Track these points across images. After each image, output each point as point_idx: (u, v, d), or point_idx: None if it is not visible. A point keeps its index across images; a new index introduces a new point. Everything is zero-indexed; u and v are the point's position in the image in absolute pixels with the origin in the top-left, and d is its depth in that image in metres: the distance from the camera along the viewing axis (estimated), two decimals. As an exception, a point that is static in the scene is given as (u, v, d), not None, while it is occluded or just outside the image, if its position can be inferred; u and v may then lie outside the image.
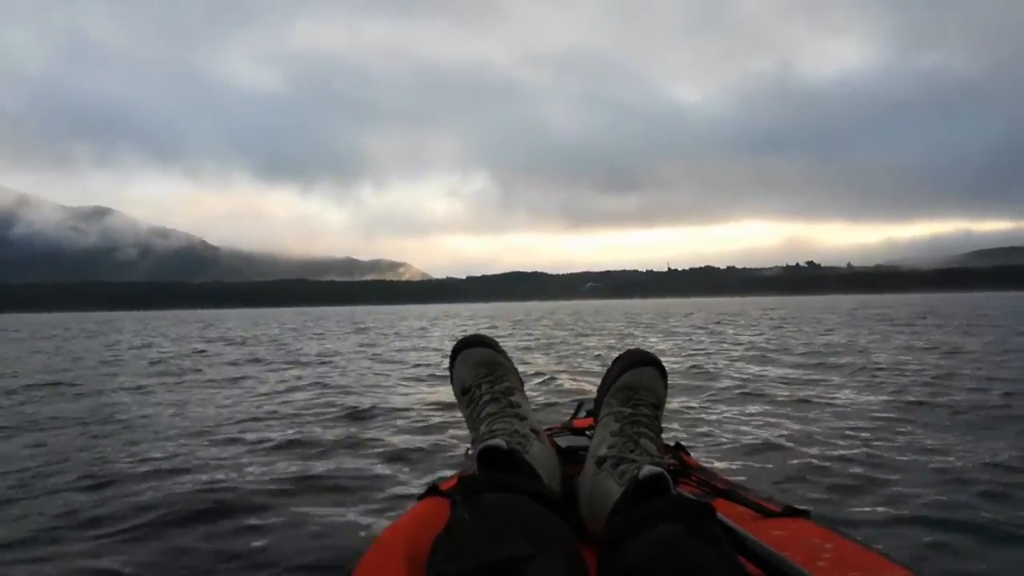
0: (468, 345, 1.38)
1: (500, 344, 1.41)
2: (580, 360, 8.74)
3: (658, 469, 1.01)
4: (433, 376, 7.10)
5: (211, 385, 6.91)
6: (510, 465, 1.12)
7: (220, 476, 3.16)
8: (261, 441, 4.01)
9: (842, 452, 3.35)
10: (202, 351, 12.50)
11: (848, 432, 3.86)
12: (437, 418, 4.51)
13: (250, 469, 3.31)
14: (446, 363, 1.39)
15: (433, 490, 1.22)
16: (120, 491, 2.89)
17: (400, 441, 3.90)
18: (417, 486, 2.92)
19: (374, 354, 11.01)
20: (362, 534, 2.27)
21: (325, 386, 6.55)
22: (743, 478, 2.89)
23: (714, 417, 4.39)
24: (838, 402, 4.92)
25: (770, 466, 3.17)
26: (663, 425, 1.26)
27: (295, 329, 23.52)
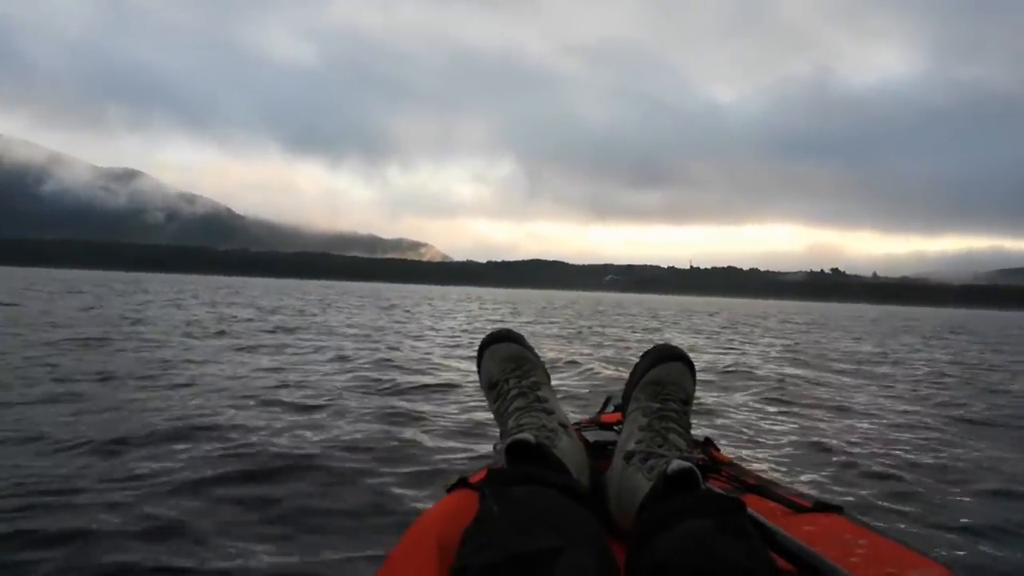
0: (495, 340, 1.39)
1: (526, 339, 1.41)
2: (614, 351, 8.76)
3: (687, 464, 1.02)
4: (472, 356, 7.15)
5: (252, 351, 7.01)
6: (538, 459, 1.12)
7: (258, 439, 3.22)
8: (307, 408, 4.09)
9: (880, 457, 3.34)
10: (235, 317, 12.68)
11: (889, 438, 3.86)
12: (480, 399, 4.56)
13: (296, 434, 3.39)
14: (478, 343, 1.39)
15: (462, 483, 1.23)
16: (165, 448, 2.97)
17: (452, 417, 3.97)
18: (461, 463, 2.98)
19: (408, 330, 11.13)
20: (400, 509, 2.30)
21: (364, 359, 6.62)
22: (777, 474, 2.88)
23: (750, 417, 4.37)
24: (875, 409, 4.92)
25: (805, 465, 3.17)
26: (692, 420, 1.26)
27: (323, 301, 23.72)
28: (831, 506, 1.16)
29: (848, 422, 4.34)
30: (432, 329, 11.83)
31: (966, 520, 2.40)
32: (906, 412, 4.81)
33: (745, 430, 3.94)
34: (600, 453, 1.37)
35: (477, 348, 1.42)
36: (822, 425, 4.19)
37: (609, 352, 8.57)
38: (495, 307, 27.14)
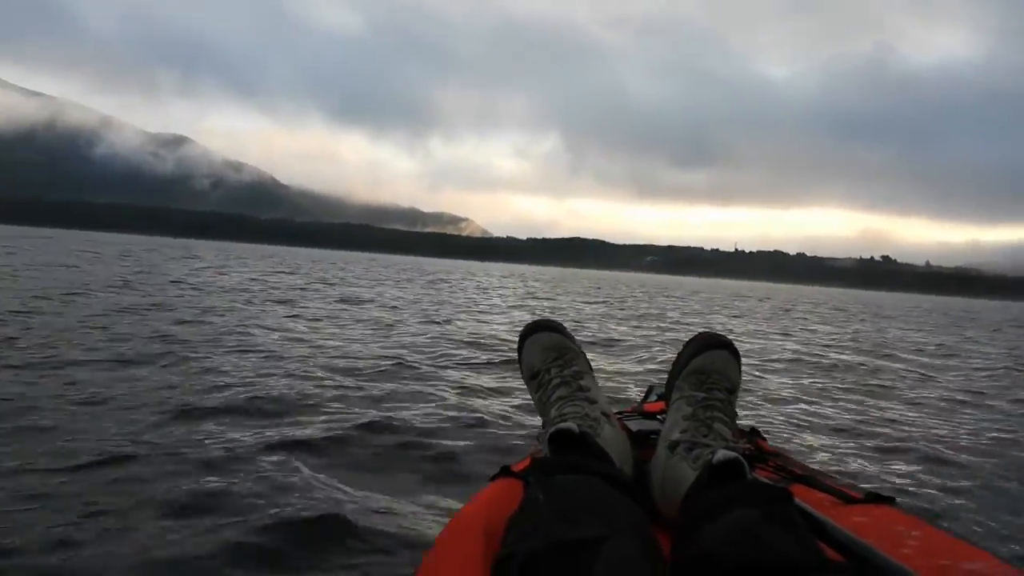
0: (535, 330, 1.38)
1: (568, 328, 1.41)
2: (673, 334, 8.71)
3: (733, 454, 1.01)
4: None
5: (328, 323, 7.09)
6: (581, 448, 1.12)
7: (345, 407, 3.36)
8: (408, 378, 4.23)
9: (942, 451, 3.26)
10: (303, 288, 12.93)
11: (953, 433, 3.75)
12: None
13: (390, 404, 3.49)
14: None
15: (505, 471, 1.22)
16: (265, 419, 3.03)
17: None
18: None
19: (472, 306, 11.22)
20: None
21: (434, 333, 6.71)
22: (831, 467, 2.83)
23: (809, 407, 4.28)
24: (941, 402, 4.82)
25: (860, 458, 3.05)
26: (737, 410, 1.25)
27: (370, 273, 24.02)
28: (883, 497, 1.14)
29: (911, 415, 4.27)
30: (497, 305, 11.95)
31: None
32: (971, 406, 4.72)
33: (804, 420, 3.86)
34: (643, 442, 1.36)
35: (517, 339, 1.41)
36: (882, 416, 4.12)
37: (679, 335, 8.52)
38: (538, 284, 27.13)
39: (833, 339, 10.00)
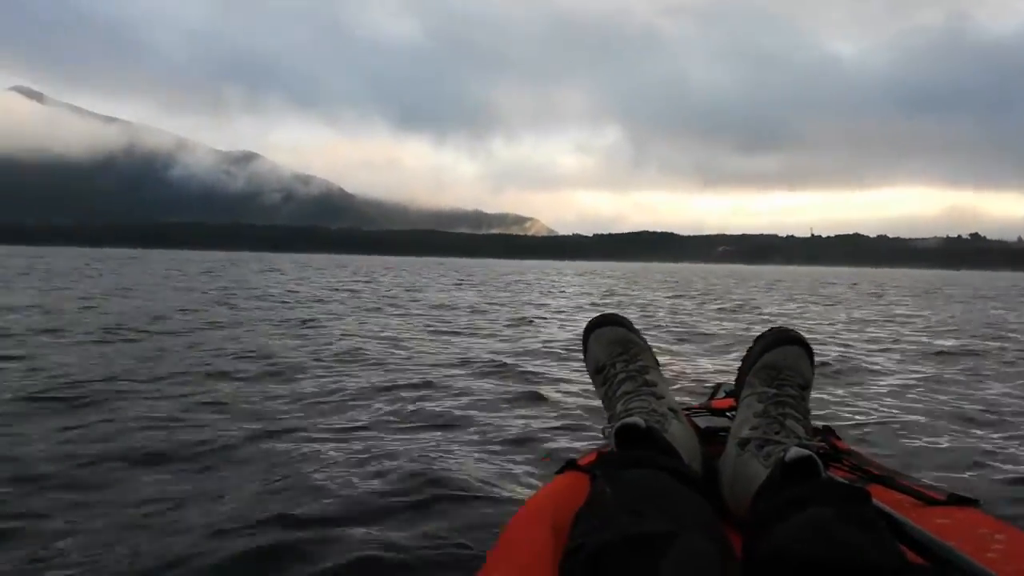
0: (600, 324, 1.37)
1: (633, 323, 1.40)
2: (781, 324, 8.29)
3: (806, 451, 0.98)
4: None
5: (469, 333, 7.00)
6: (648, 443, 1.10)
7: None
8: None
9: None
10: (393, 295, 13.03)
11: None
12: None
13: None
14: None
15: (571, 465, 1.22)
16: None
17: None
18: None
19: (558, 307, 11.05)
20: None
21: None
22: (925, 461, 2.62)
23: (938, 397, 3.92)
24: None
25: (950, 460, 2.67)
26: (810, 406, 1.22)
27: (444, 277, 24.12)
28: (967, 499, 1.10)
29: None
30: (592, 305, 11.78)
31: None
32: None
33: (917, 410, 3.54)
34: (712, 439, 1.34)
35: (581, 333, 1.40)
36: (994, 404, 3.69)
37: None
38: (610, 280, 26.76)
39: (937, 323, 9.35)
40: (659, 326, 8.05)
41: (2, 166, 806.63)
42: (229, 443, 2.59)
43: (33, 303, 8.61)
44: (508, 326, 7.73)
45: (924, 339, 7.22)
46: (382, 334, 6.55)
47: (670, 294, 16.82)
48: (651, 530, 0.77)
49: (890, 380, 4.50)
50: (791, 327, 1.29)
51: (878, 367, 5.06)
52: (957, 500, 1.10)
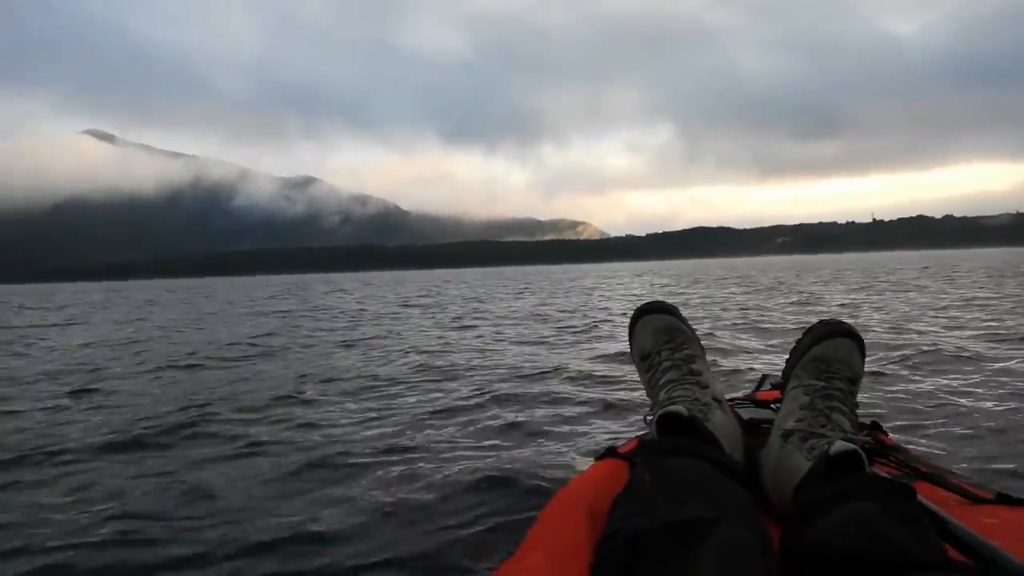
0: (648, 311, 1.36)
1: (681, 311, 1.38)
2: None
3: (851, 446, 0.97)
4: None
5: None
6: (690, 432, 1.10)
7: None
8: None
9: None
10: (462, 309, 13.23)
11: None
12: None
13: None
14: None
15: (611, 452, 1.22)
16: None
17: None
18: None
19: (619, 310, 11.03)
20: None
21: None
22: (964, 466, 2.45)
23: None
24: None
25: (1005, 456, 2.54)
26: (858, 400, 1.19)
27: (506, 288, 24.23)
28: (1015, 499, 1.07)
29: None
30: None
31: None
32: None
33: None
34: (755, 431, 1.33)
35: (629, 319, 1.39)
36: None
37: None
38: (665, 280, 26.46)
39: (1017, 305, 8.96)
40: (733, 324, 7.97)
41: (78, 207, 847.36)
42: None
43: (128, 337, 9.01)
44: (580, 331, 7.81)
45: (1010, 322, 6.96)
46: (464, 344, 6.79)
47: (735, 291, 16.57)
48: (690, 517, 0.77)
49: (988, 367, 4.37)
50: (843, 319, 1.25)
51: (970, 354, 4.91)
52: (1005, 499, 1.08)
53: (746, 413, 1.43)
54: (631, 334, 1.39)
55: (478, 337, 7.57)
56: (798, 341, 1.26)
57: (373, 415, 3.61)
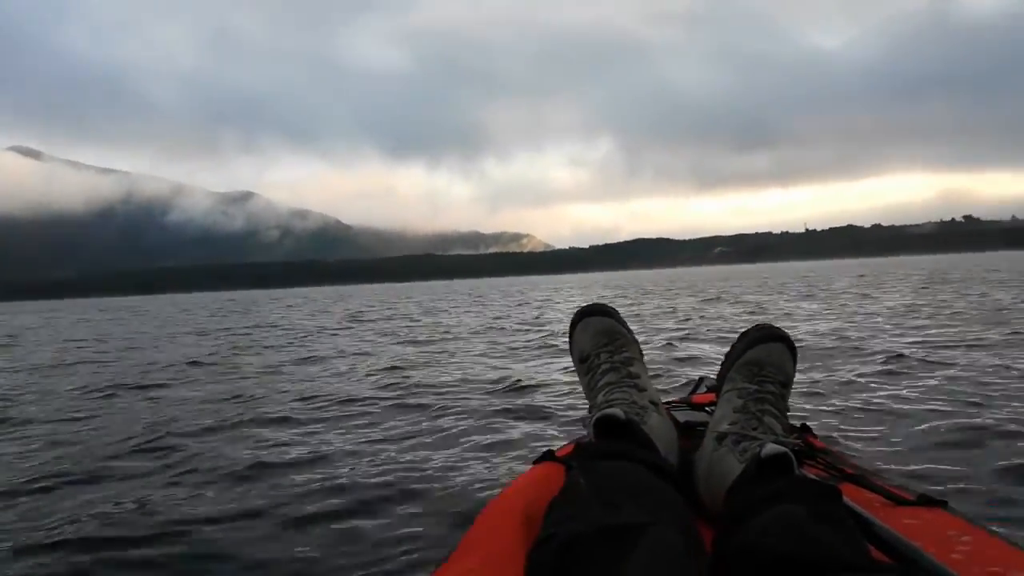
0: (588, 314, 1.36)
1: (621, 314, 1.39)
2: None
3: (782, 448, 0.98)
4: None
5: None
6: (627, 435, 1.10)
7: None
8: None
9: None
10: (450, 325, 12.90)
11: None
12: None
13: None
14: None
15: (548, 455, 1.22)
16: None
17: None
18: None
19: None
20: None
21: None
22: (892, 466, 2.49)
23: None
24: None
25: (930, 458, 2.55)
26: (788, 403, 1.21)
27: (460, 301, 24.01)
28: (935, 500, 1.11)
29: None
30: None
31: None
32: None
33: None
34: (690, 433, 1.34)
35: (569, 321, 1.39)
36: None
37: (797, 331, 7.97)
38: (609, 292, 26.64)
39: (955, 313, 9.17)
40: (688, 335, 7.90)
41: (2, 225, 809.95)
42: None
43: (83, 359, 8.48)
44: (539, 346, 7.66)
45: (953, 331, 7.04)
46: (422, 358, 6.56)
47: (688, 300, 16.70)
48: (623, 522, 0.77)
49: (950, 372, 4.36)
50: (775, 325, 1.28)
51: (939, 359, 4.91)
52: (926, 501, 1.11)
53: (682, 416, 1.43)
54: (571, 336, 1.38)
55: (438, 352, 7.32)
56: (733, 345, 1.28)
57: (316, 431, 3.46)
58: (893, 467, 2.46)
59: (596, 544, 0.75)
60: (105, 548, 2.06)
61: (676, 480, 1.01)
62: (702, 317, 10.60)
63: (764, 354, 1.20)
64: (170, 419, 4.05)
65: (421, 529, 2.07)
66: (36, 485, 2.76)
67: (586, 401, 1.32)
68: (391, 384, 5.01)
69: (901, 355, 4.97)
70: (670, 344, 6.73)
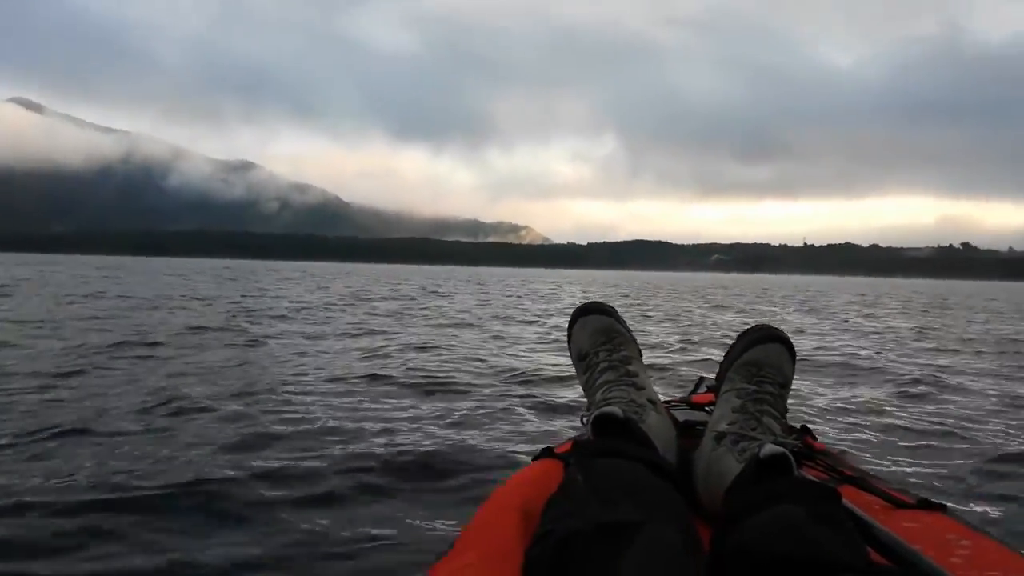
0: (587, 312, 1.36)
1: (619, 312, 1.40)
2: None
3: (780, 449, 0.98)
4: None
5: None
6: (625, 433, 1.10)
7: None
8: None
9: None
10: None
11: None
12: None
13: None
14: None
15: (547, 452, 1.22)
16: None
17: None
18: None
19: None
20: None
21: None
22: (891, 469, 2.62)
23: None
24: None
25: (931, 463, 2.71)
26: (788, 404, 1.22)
27: (465, 288, 24.02)
28: (934, 504, 1.10)
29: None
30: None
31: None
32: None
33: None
34: (689, 432, 1.34)
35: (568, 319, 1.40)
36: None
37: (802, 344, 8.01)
38: (621, 291, 26.66)
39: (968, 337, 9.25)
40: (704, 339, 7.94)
41: (1, 176, 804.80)
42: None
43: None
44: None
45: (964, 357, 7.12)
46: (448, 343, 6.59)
47: (690, 305, 16.75)
48: (620, 519, 0.77)
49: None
50: (775, 325, 1.29)
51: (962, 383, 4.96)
52: (926, 504, 1.10)
53: (681, 415, 1.44)
54: (570, 334, 1.39)
55: (450, 336, 7.36)
56: (731, 346, 1.28)
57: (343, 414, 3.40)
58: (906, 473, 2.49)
59: (593, 541, 0.75)
60: (106, 509, 2.03)
61: (675, 479, 1.01)
62: (713, 323, 10.67)
63: (763, 355, 1.21)
64: (172, 383, 4.03)
65: (419, 521, 2.05)
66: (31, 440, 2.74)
67: (585, 398, 1.32)
68: (403, 365, 5.05)
69: (917, 379, 5.04)
70: (683, 348, 6.79)
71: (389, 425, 3.16)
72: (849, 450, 2.88)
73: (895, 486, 1.24)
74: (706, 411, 1.49)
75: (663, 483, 0.94)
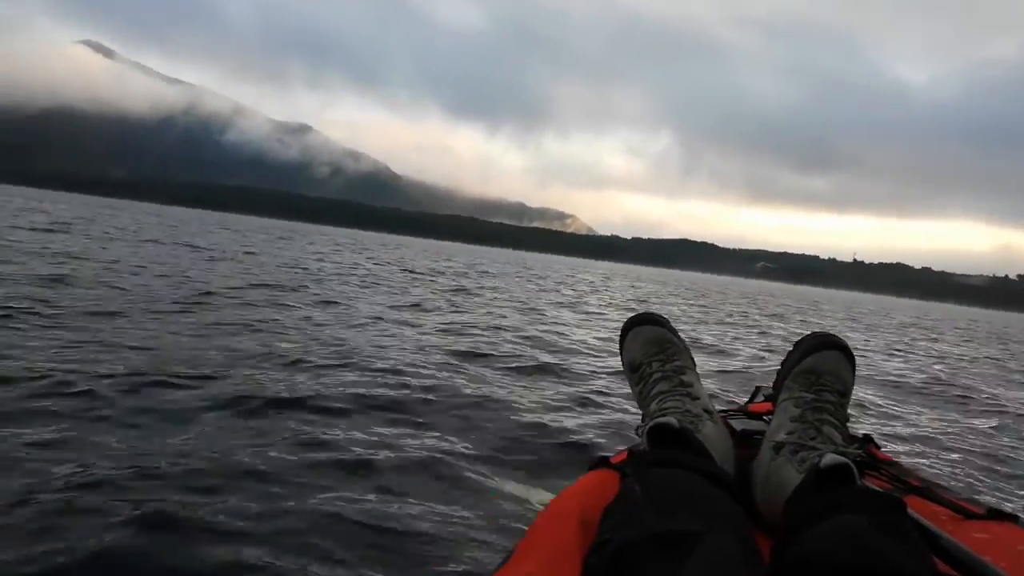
0: (638, 323, 1.36)
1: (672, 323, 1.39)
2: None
3: (842, 459, 0.96)
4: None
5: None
6: (681, 444, 1.09)
7: None
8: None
9: None
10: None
11: None
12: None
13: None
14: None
15: (603, 462, 1.21)
16: None
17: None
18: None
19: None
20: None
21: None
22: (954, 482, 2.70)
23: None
24: None
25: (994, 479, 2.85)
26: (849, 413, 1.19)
27: (512, 272, 24.40)
28: (1006, 514, 1.07)
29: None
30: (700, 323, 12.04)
31: None
32: None
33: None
34: (746, 442, 1.33)
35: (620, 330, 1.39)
36: None
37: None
38: (670, 289, 26.68)
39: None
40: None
41: (66, 116, 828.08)
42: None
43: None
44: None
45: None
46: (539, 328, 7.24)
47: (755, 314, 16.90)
48: (678, 529, 0.77)
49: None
50: (832, 332, 1.26)
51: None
52: (996, 515, 1.07)
53: (738, 424, 1.43)
54: (621, 345, 1.38)
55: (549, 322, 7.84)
56: (789, 353, 1.26)
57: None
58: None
59: (651, 551, 0.75)
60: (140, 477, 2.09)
61: (733, 489, 0.99)
62: (781, 333, 10.96)
63: (820, 362, 1.19)
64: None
65: (486, 523, 2.07)
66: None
67: (639, 410, 1.32)
68: (490, 345, 5.47)
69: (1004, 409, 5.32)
70: (759, 356, 7.19)
71: (502, 402, 3.49)
72: (921, 464, 3.03)
73: (963, 496, 1.19)
74: (764, 420, 1.46)
75: (721, 493, 0.93)
